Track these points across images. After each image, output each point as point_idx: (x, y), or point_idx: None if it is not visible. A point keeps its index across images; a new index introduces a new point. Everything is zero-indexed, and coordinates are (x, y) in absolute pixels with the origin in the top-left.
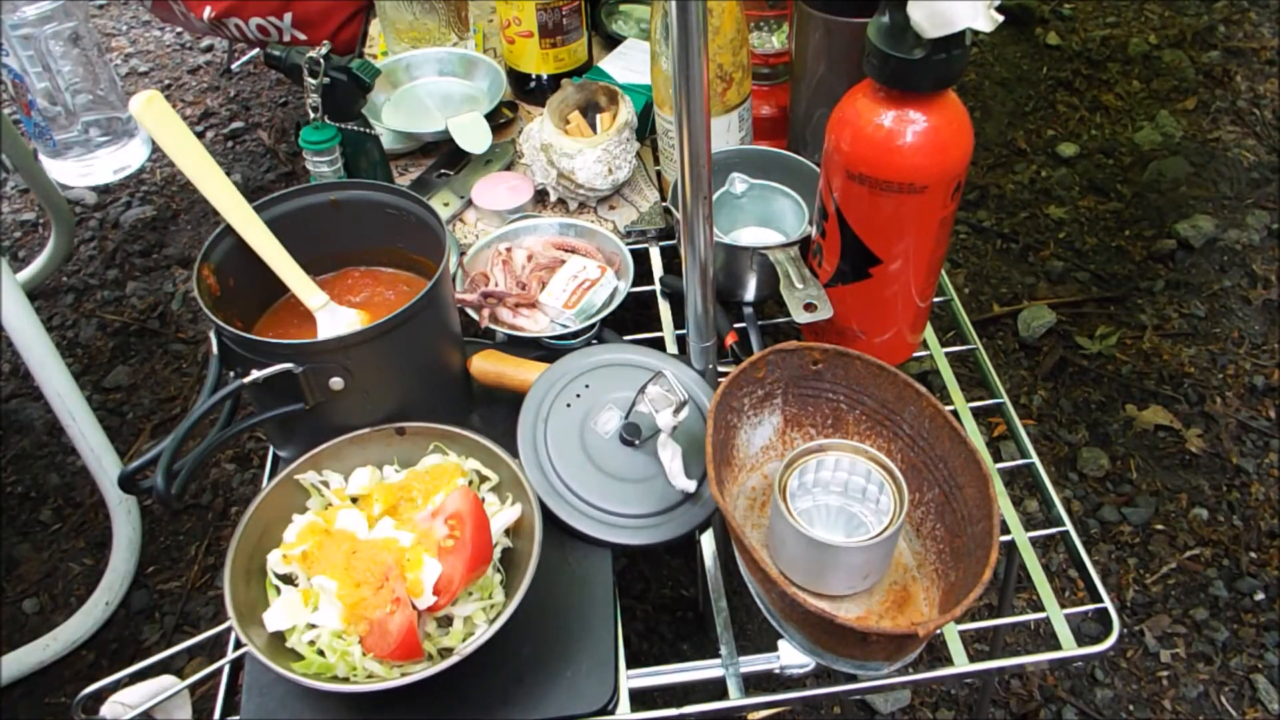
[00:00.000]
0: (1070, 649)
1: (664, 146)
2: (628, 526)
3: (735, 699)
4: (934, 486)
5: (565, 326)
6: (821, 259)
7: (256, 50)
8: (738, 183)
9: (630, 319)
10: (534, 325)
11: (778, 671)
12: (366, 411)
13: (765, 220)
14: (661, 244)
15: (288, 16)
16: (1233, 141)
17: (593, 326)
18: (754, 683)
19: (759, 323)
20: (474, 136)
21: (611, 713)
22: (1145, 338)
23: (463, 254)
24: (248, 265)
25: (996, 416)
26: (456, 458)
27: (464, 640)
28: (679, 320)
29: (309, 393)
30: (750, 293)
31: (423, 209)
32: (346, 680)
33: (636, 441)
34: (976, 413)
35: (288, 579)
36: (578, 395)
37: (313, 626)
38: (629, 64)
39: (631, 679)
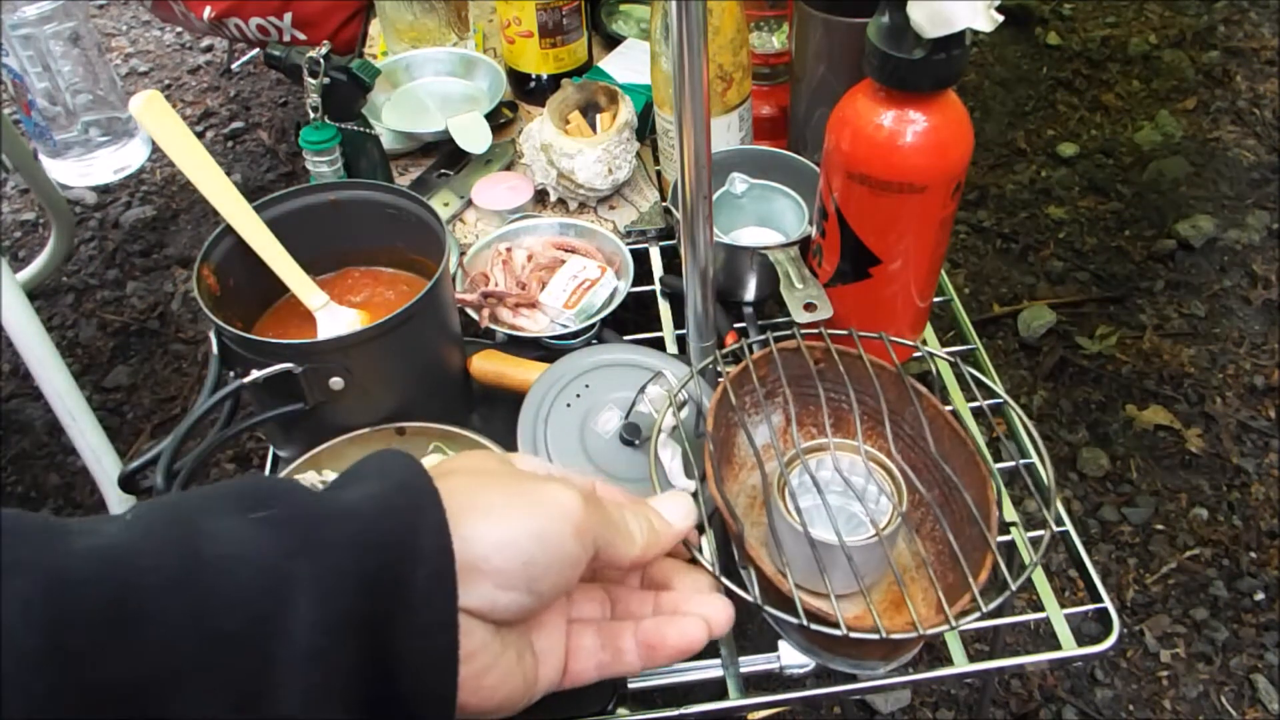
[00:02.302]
0: (1070, 649)
1: (664, 146)
2: None
3: (735, 699)
4: (934, 486)
5: (565, 326)
6: (821, 259)
7: (256, 50)
8: (738, 183)
9: (630, 319)
10: (534, 325)
11: (778, 671)
12: (366, 411)
13: (765, 220)
14: (661, 244)
15: (288, 16)
16: (1233, 141)
17: (593, 326)
18: (754, 683)
19: (759, 323)
20: (474, 136)
21: (611, 713)
22: (1145, 338)
23: (463, 254)
24: (248, 265)
25: (997, 416)
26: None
27: None
28: (679, 320)
29: (309, 393)
30: (750, 293)
31: (423, 209)
32: None
33: (636, 441)
34: (976, 412)
35: None
36: (578, 395)
37: None
38: (629, 64)
39: (631, 679)
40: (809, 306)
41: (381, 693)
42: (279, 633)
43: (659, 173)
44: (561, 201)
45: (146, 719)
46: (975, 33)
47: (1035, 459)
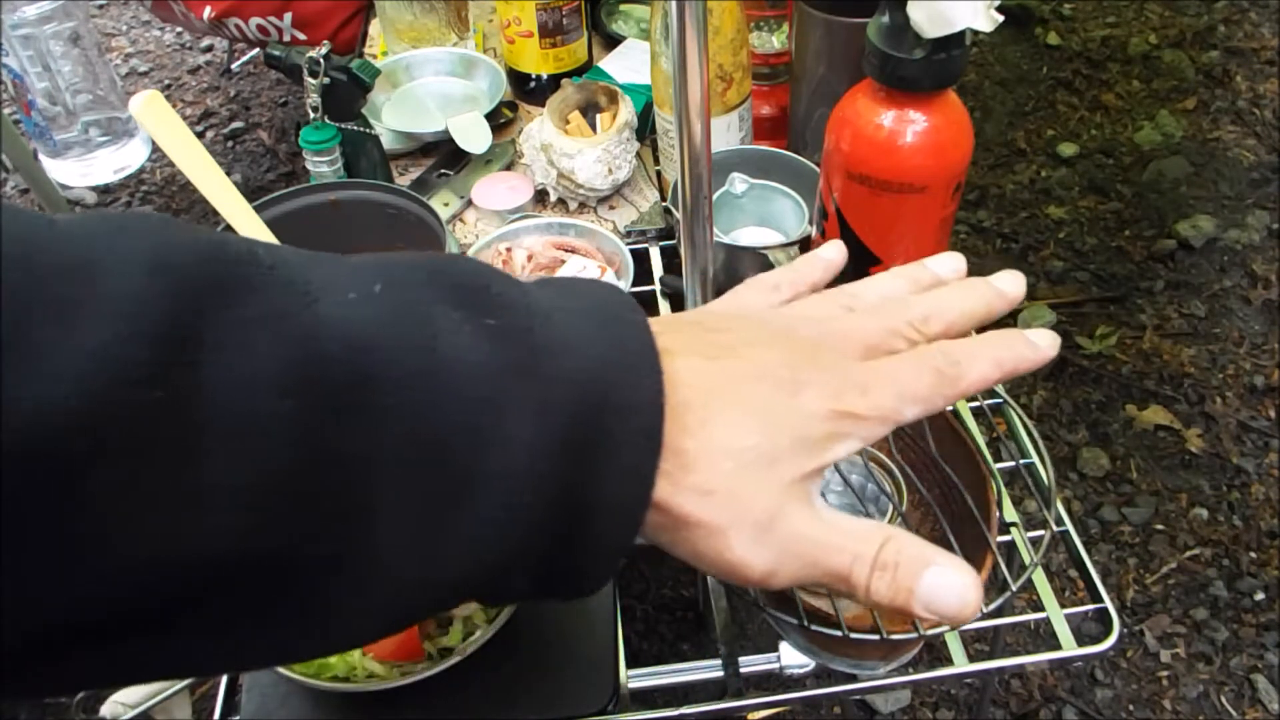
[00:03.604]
0: (1070, 649)
1: (664, 146)
2: None
3: (735, 699)
4: (934, 486)
5: None
6: None
7: (256, 50)
8: (738, 183)
9: None
10: None
11: (778, 671)
12: None
13: (765, 220)
14: (661, 244)
15: (288, 16)
16: (1233, 141)
17: None
18: (754, 683)
19: None
20: (474, 136)
21: (611, 713)
22: (1145, 338)
23: (463, 254)
24: None
25: (997, 416)
26: None
27: (464, 640)
28: None
29: None
30: None
31: (423, 209)
32: (346, 680)
33: None
34: (976, 412)
35: None
36: None
37: None
38: (629, 64)
39: (631, 679)
40: None
41: (563, 529)
42: (493, 444)
43: (659, 173)
44: (561, 201)
45: (350, 504)
46: (975, 33)
47: (1035, 459)
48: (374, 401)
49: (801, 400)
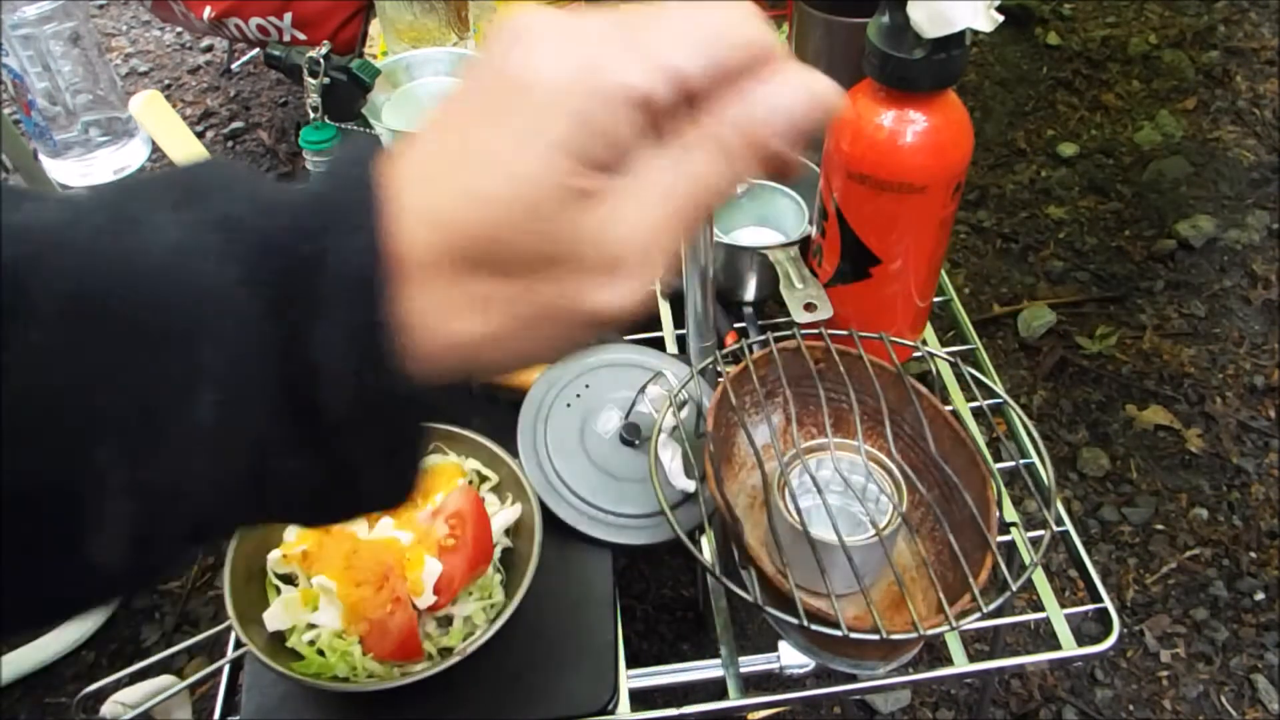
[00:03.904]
0: (1070, 649)
1: None
2: (628, 526)
3: (735, 699)
4: (934, 486)
5: None
6: (821, 259)
7: (256, 50)
8: None
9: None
10: None
11: (778, 671)
12: None
13: (765, 220)
14: None
15: (288, 16)
16: (1233, 141)
17: None
18: (754, 683)
19: (759, 323)
20: None
21: (611, 713)
22: (1145, 338)
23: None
24: None
25: (997, 416)
26: (457, 458)
27: (464, 640)
28: (679, 320)
29: None
30: (750, 293)
31: None
32: (346, 680)
33: (636, 441)
34: (976, 412)
35: (288, 579)
36: (578, 395)
37: (313, 626)
38: None
39: (631, 679)
40: (809, 306)
41: (296, 412)
42: (198, 330)
43: None
44: None
45: (60, 427)
46: (975, 33)
47: (1035, 459)
48: (86, 309)
49: (534, 96)
